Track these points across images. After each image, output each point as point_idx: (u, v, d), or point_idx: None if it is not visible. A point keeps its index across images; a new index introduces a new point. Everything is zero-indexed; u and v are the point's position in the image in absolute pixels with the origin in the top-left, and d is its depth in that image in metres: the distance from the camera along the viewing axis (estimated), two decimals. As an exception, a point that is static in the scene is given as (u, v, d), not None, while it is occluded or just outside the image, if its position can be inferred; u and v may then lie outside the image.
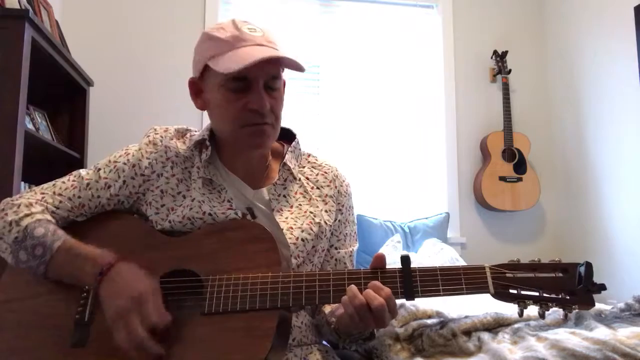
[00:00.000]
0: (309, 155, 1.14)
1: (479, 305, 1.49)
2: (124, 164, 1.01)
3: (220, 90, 0.96)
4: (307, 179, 1.09)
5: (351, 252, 1.11)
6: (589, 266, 0.80)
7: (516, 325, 1.43)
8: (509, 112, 3.07)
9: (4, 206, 0.97)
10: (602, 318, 1.49)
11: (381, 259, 0.87)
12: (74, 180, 1.02)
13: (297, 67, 0.97)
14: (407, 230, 2.80)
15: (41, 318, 0.90)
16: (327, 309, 1.03)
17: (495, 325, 1.45)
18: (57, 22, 2.39)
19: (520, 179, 3.02)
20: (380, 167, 3.09)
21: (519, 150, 3.04)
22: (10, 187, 1.64)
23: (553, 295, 0.81)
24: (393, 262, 2.34)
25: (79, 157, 2.41)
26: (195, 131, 1.08)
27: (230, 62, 0.91)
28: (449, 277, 0.84)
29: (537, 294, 0.82)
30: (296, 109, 3.00)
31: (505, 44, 3.23)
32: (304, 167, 1.11)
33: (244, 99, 0.95)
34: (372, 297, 0.81)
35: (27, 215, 0.94)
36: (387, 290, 0.82)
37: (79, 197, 1.00)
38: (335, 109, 3.11)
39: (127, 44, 2.86)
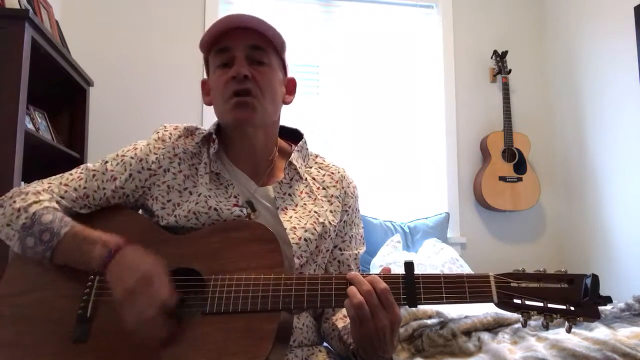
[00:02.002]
0: (316, 156, 1.15)
1: (479, 306, 1.49)
2: (132, 157, 1.02)
3: (214, 70, 1.01)
4: (314, 179, 1.09)
5: (356, 254, 1.11)
6: (595, 278, 0.79)
7: (516, 326, 1.43)
8: (509, 112, 3.07)
9: (12, 194, 0.98)
10: (602, 318, 1.49)
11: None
12: (80, 172, 1.03)
13: (271, 33, 0.99)
14: (407, 230, 2.79)
15: (43, 313, 0.91)
16: (340, 323, 1.03)
17: (495, 326, 1.45)
18: (57, 22, 2.39)
19: (520, 179, 3.02)
20: (380, 167, 3.09)
21: (519, 150, 3.04)
22: (10, 187, 1.63)
23: (558, 307, 0.80)
24: (393, 262, 2.35)
25: (79, 157, 2.41)
26: (204, 129, 1.09)
27: (206, 35, 0.99)
28: (452, 286, 0.83)
29: (541, 304, 0.80)
30: (296, 109, 3.00)
31: (505, 44, 3.22)
32: (311, 167, 1.11)
33: (229, 72, 0.98)
34: (366, 291, 0.81)
35: (35, 202, 0.95)
36: (383, 284, 0.81)
37: (84, 187, 1.01)
38: (335, 109, 3.11)
39: (127, 44, 2.86)
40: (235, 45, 0.98)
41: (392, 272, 0.86)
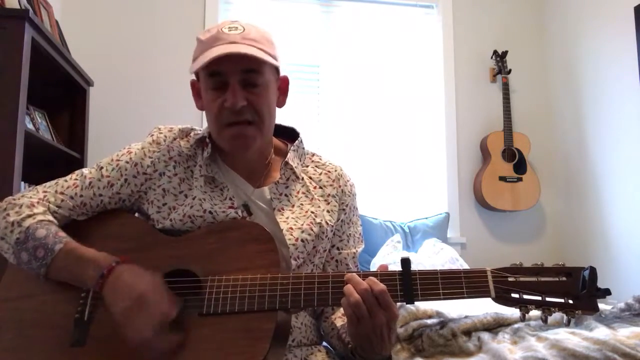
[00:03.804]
0: (312, 155, 1.13)
1: (479, 306, 1.49)
2: (127, 162, 1.01)
3: (206, 90, 0.97)
4: (310, 178, 1.08)
5: (354, 253, 1.10)
6: (593, 271, 0.78)
7: (516, 325, 1.43)
8: (509, 112, 3.07)
9: (6, 205, 0.96)
10: (602, 318, 1.49)
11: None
12: (75, 179, 1.02)
13: (265, 51, 0.94)
14: (407, 230, 2.79)
15: (41, 317, 0.90)
16: (339, 322, 1.03)
17: (495, 325, 1.45)
18: (57, 22, 2.39)
19: (520, 179, 3.02)
20: (380, 167, 3.09)
21: (519, 150, 3.04)
22: (10, 187, 1.64)
23: (556, 300, 0.79)
24: (393, 262, 2.35)
25: (79, 157, 2.41)
26: (199, 130, 1.08)
27: (197, 63, 0.93)
28: (449, 281, 0.82)
29: (539, 298, 0.79)
30: (296, 109, 3.00)
31: (505, 44, 3.22)
32: (307, 166, 1.10)
33: (222, 97, 0.94)
34: (362, 290, 0.80)
35: (29, 216, 0.93)
36: (381, 286, 0.81)
37: (81, 195, 1.00)
38: (335, 109, 3.11)
39: (127, 43, 2.86)
40: (228, 70, 0.93)
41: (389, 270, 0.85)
